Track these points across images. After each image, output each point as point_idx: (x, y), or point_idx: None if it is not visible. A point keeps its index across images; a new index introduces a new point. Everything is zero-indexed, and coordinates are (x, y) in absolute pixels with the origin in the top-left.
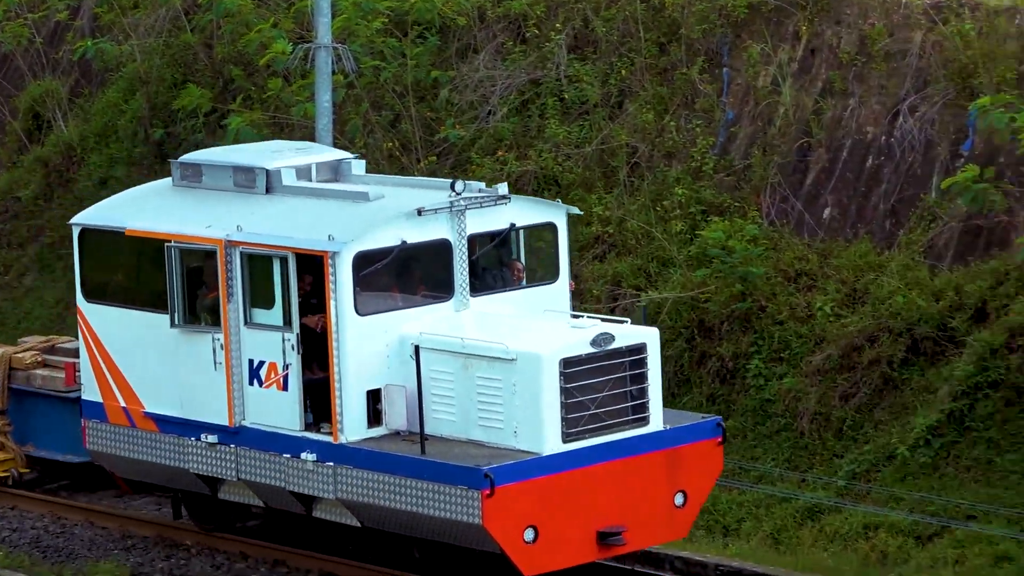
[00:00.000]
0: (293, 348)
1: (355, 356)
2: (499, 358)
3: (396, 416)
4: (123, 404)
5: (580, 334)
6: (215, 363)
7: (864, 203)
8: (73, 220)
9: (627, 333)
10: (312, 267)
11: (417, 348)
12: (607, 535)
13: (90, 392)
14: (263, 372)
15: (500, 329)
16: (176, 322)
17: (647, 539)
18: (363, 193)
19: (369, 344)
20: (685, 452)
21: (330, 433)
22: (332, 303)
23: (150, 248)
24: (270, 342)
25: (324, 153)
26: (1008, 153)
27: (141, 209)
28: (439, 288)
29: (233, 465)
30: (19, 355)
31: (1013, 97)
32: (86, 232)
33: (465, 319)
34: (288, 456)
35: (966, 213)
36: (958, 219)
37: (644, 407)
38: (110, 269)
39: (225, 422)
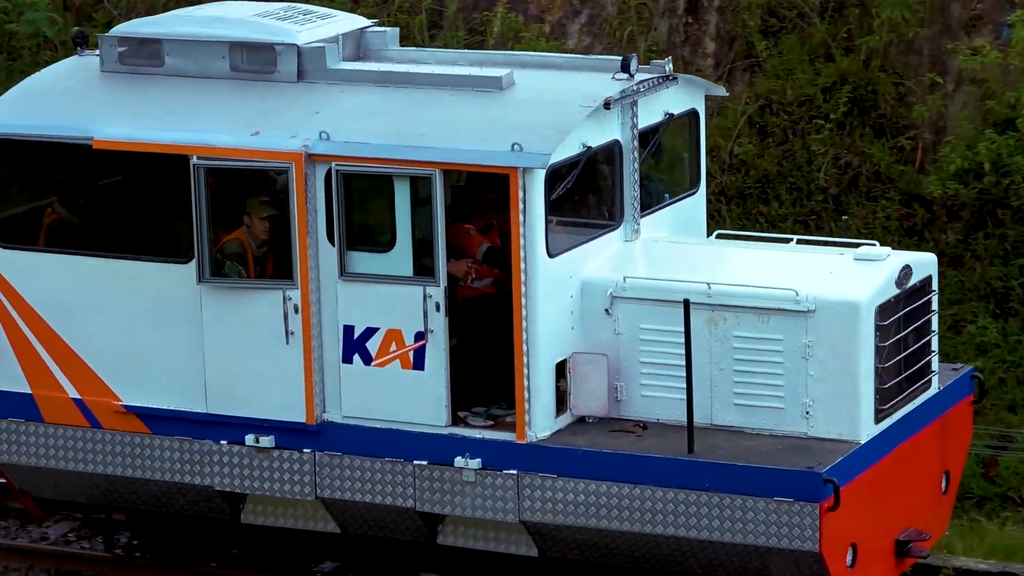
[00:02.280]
0: (438, 308)
1: (546, 314)
2: (780, 309)
3: (590, 397)
4: (75, 395)
5: (880, 270)
6: (286, 333)
7: None
8: None
9: (915, 261)
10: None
11: (687, 303)
12: (904, 543)
13: (4, 380)
14: (374, 344)
15: (725, 267)
16: (205, 276)
17: (926, 542)
18: (493, 79)
19: (558, 297)
20: (948, 419)
21: (503, 427)
22: (521, 240)
23: (144, 168)
24: (388, 300)
25: (339, 20)
26: None
27: (88, 109)
28: (604, 211)
29: (309, 479)
30: None
31: None
32: (9, 148)
33: (650, 253)
34: (423, 464)
35: None
36: None
37: (930, 364)
38: (47, 200)
39: (299, 418)
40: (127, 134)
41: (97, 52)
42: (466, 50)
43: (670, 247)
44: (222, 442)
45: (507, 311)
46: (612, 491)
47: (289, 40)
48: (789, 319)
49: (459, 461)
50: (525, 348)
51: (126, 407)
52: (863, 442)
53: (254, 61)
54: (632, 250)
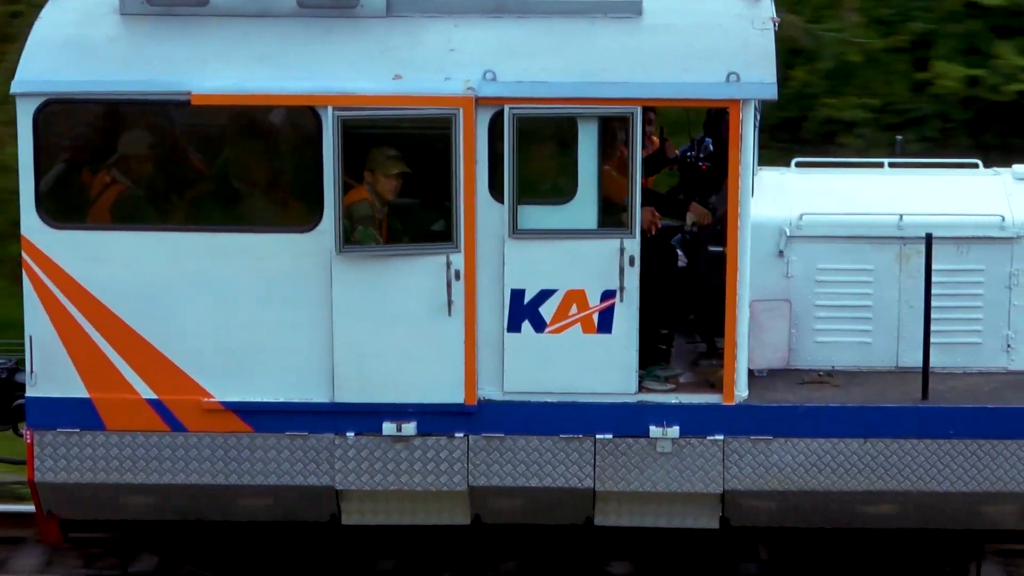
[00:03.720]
0: (632, 262)
1: (747, 263)
2: (984, 237)
3: (769, 348)
4: (150, 395)
5: None
6: (449, 303)
7: None
8: (21, 89)
9: None
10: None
11: (930, 237)
12: None
13: (54, 384)
14: (549, 308)
15: (894, 196)
16: (341, 245)
17: None
18: (631, 3)
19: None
20: None
21: (689, 388)
22: (741, 182)
23: (248, 125)
24: (569, 258)
25: None
26: None
27: (151, 58)
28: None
29: (461, 467)
30: None
31: None
32: (53, 107)
33: (800, 187)
34: (607, 438)
35: None
36: None
37: None
38: (120, 171)
39: (457, 398)
40: (234, 85)
41: None
42: None
43: (811, 179)
44: (348, 434)
45: (667, 260)
46: (839, 448)
47: None
48: (994, 247)
49: (655, 431)
50: (738, 301)
51: (223, 404)
52: None
53: None
54: (783, 184)
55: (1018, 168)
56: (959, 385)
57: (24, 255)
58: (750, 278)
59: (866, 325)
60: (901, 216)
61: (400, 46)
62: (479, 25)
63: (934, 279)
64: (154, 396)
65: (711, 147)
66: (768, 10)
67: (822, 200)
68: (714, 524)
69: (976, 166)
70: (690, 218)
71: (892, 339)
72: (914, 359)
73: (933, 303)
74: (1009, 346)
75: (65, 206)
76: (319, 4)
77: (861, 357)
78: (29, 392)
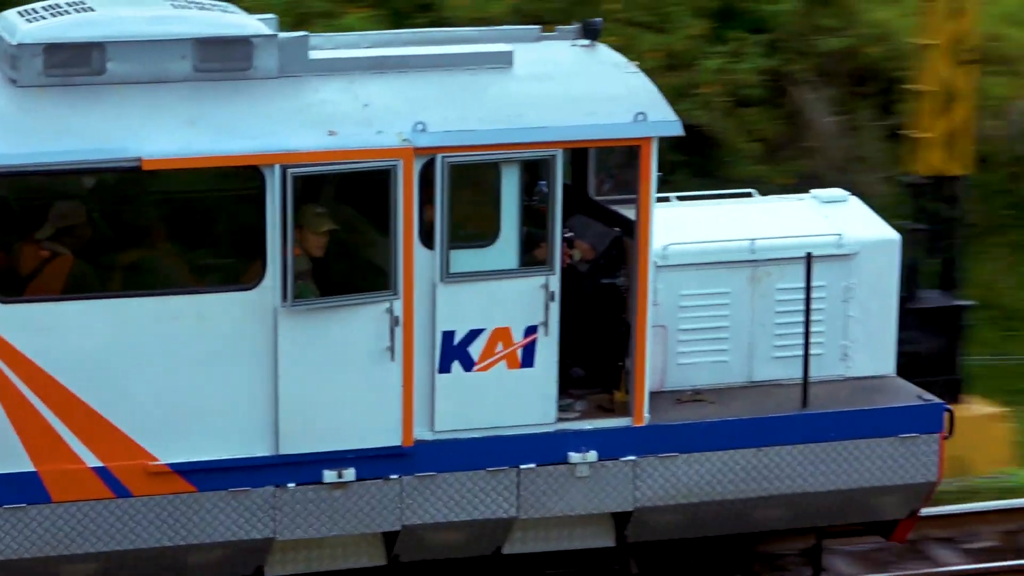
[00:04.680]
0: (553, 297)
1: (649, 293)
2: (824, 256)
3: (652, 371)
4: (95, 464)
5: (865, 210)
6: (388, 349)
7: None
8: None
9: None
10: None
11: (809, 257)
12: None
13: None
14: (477, 348)
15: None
16: (287, 298)
17: None
18: (503, 54)
19: None
20: None
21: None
22: (649, 215)
23: (191, 186)
24: (495, 298)
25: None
26: None
27: (82, 128)
28: None
29: (394, 508)
30: None
31: None
32: (21, 183)
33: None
34: (532, 466)
35: None
36: None
37: None
38: (74, 241)
39: (395, 441)
40: (181, 149)
41: None
42: (378, 32)
43: (680, 211)
44: (289, 485)
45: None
46: (734, 459)
47: (263, 32)
48: (833, 264)
49: (574, 456)
50: (645, 328)
51: (170, 466)
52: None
53: (226, 58)
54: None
55: (818, 192)
56: (819, 392)
57: None
58: None
59: (723, 345)
60: (752, 241)
61: (314, 103)
62: (372, 81)
63: (779, 298)
64: (98, 464)
65: (544, 189)
66: (602, 55)
67: (690, 230)
68: (611, 543)
69: (751, 195)
70: (576, 254)
71: (745, 356)
72: (766, 373)
73: (779, 320)
74: (846, 355)
75: (5, 280)
76: (212, 68)
77: (719, 375)
78: None
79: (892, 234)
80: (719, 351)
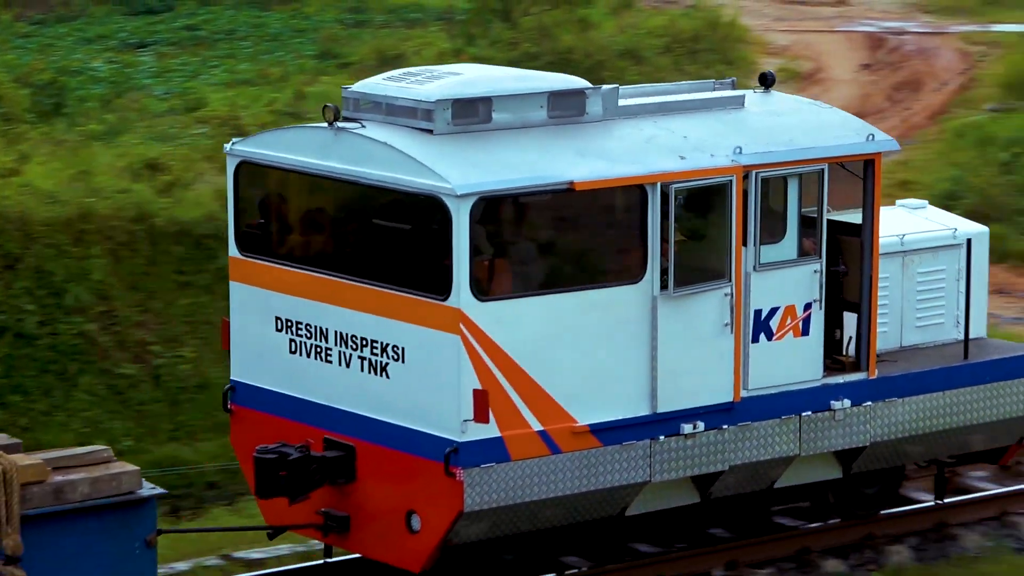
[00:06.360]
0: (822, 280)
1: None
2: (946, 246)
3: None
4: (539, 427)
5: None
6: (725, 324)
7: None
8: (461, 191)
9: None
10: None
11: (969, 242)
12: None
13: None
14: (775, 322)
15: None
16: (668, 285)
17: None
18: (736, 98)
19: None
20: None
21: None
22: (878, 216)
23: (600, 203)
24: (785, 282)
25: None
26: None
27: (524, 159)
28: None
29: (730, 450)
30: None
31: None
32: (484, 207)
33: None
34: (809, 414)
35: None
36: None
37: None
38: (517, 250)
39: (729, 397)
40: (602, 173)
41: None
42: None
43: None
44: (660, 437)
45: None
46: (936, 401)
47: (593, 86)
48: (952, 252)
49: (835, 404)
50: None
51: (592, 427)
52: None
53: (568, 107)
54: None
55: (903, 201)
56: (957, 351)
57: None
58: None
59: (884, 319)
60: (903, 237)
61: (650, 138)
62: (668, 121)
63: (919, 279)
64: (540, 428)
65: None
66: (796, 97)
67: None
68: (839, 475)
69: None
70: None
71: (898, 326)
72: (911, 339)
73: (920, 297)
74: (958, 322)
75: (486, 287)
76: (560, 116)
77: (881, 342)
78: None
79: (983, 228)
80: (882, 323)
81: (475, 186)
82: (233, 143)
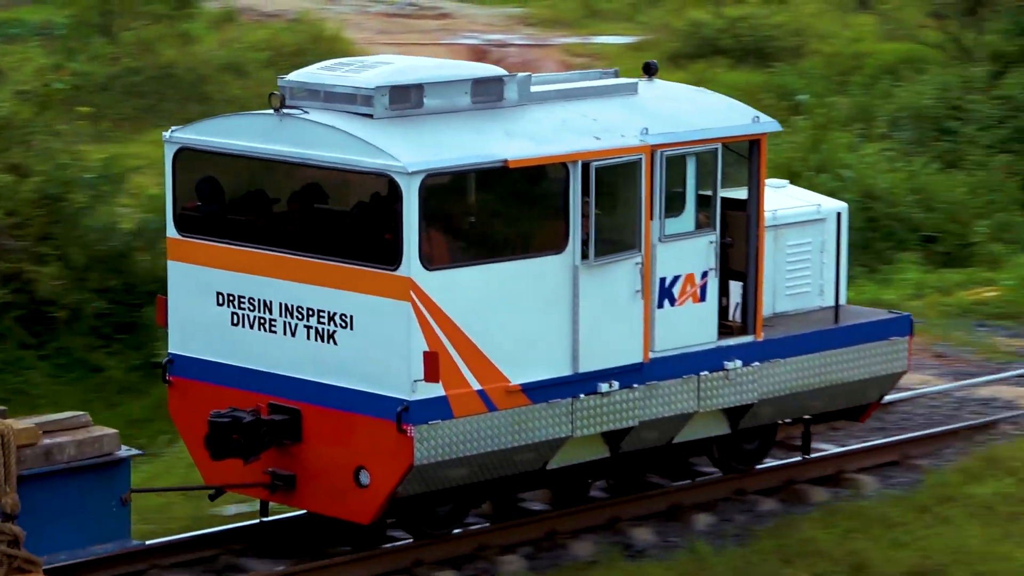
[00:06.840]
0: (716, 250)
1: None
2: (812, 220)
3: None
4: (478, 387)
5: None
6: (636, 291)
7: None
8: (412, 169)
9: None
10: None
11: (839, 216)
12: None
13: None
14: (676, 289)
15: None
16: (589, 255)
17: None
18: (630, 85)
19: None
20: None
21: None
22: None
23: (528, 180)
24: (685, 253)
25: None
26: None
27: (459, 140)
28: None
29: (640, 407)
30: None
31: None
32: (431, 184)
33: None
34: (706, 373)
35: None
36: None
37: None
38: (457, 223)
39: (639, 358)
40: (530, 152)
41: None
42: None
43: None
44: (580, 395)
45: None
46: (813, 361)
47: (509, 74)
48: (817, 226)
49: (728, 364)
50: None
51: (522, 386)
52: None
53: (489, 93)
54: None
55: (768, 180)
56: (820, 316)
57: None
58: None
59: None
60: (775, 212)
61: (564, 120)
62: (576, 105)
63: (789, 251)
64: (479, 387)
65: None
66: (680, 85)
67: None
68: (728, 430)
69: None
70: None
71: (771, 295)
72: (782, 307)
73: (789, 268)
74: (822, 291)
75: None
76: (482, 101)
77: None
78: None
79: (843, 203)
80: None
81: (423, 164)
82: (172, 131)
